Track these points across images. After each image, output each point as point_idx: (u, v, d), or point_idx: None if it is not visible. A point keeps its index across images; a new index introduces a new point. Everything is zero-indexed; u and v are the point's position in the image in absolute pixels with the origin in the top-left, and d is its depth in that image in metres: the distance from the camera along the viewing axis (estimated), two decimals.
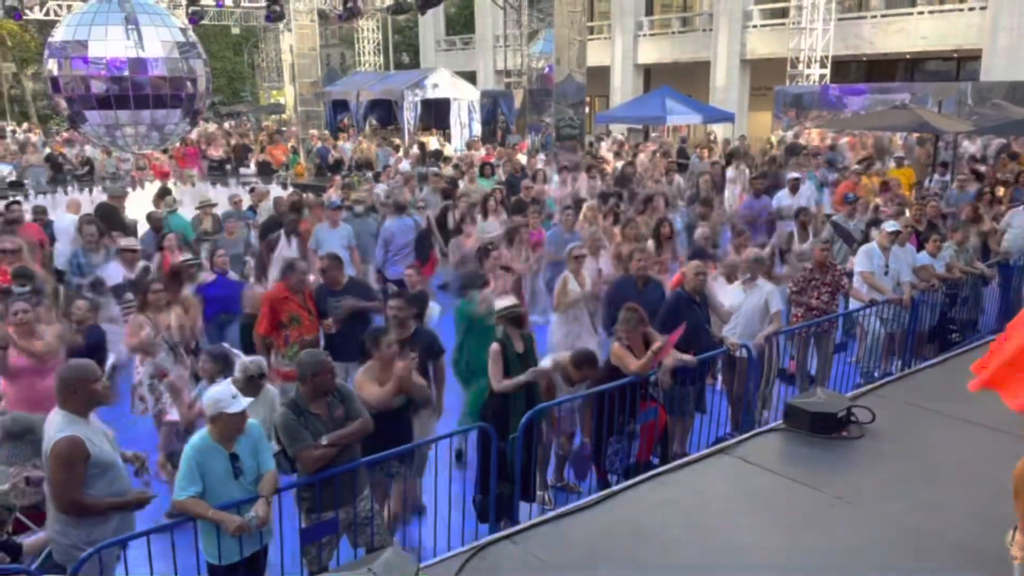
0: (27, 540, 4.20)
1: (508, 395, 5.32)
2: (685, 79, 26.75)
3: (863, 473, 3.49)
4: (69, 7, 22.77)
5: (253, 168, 21.26)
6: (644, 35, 30.24)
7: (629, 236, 8.42)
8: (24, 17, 21.23)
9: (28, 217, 9.71)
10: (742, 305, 6.58)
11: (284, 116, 34.08)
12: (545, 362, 5.67)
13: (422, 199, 11.70)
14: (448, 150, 21.07)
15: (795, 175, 11.09)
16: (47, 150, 20.39)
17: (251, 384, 4.90)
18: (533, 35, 19.39)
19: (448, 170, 15.49)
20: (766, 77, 26.29)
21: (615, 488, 3.62)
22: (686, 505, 3.38)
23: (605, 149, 20.47)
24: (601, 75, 28.93)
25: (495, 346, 5.45)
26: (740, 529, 3.14)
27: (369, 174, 16.48)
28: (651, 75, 30.79)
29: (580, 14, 17.56)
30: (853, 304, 7.90)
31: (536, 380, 5.31)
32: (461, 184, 13.41)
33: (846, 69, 25.82)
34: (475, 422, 5.97)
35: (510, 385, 5.27)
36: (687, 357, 5.77)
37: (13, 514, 4.11)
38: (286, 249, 9.26)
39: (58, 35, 13.30)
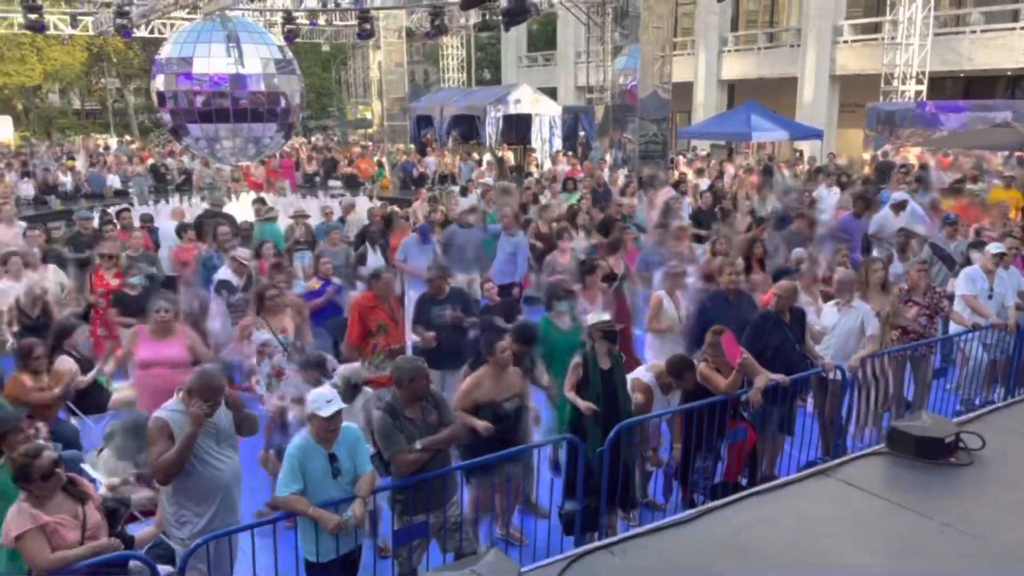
0: (138, 531, 4.44)
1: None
2: (770, 95, 26.26)
3: (974, 500, 3.36)
4: (173, 25, 24.00)
5: (340, 181, 21.89)
6: (729, 51, 29.88)
7: (720, 252, 8.31)
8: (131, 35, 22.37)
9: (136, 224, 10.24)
10: (836, 325, 6.42)
11: (370, 131, 34.98)
12: (641, 371, 5.64)
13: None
14: (535, 167, 21.17)
15: (901, 196, 10.70)
16: (150, 161, 21.48)
17: (351, 390, 5.07)
18: (617, 51, 19.40)
19: (530, 183, 15.62)
20: (857, 93, 25.59)
21: (712, 505, 3.57)
22: (786, 525, 3.31)
23: (683, 163, 20.27)
24: (683, 91, 28.70)
25: (577, 358, 5.48)
26: (843, 551, 3.07)
27: (455, 188, 16.74)
28: (735, 91, 30.37)
29: (666, 30, 17.48)
30: (953, 328, 7.60)
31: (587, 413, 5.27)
32: (543, 199, 13.51)
33: (941, 85, 24.90)
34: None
35: (579, 403, 5.27)
36: (779, 377, 5.67)
37: (128, 509, 4.36)
38: (372, 260, 9.53)
39: (165, 52, 14.02)
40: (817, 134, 21.71)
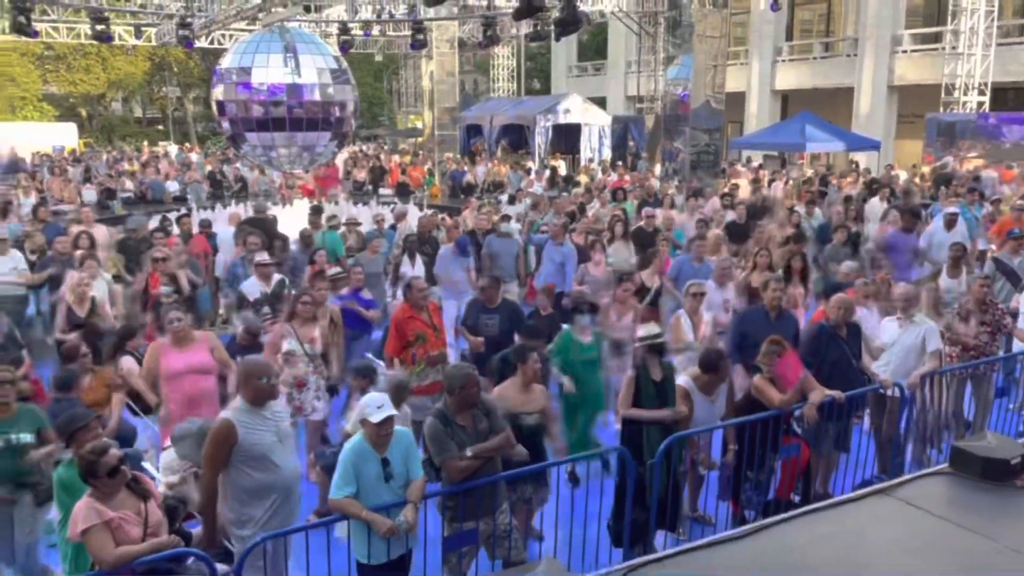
0: (196, 529, 4.55)
1: (641, 422, 5.28)
2: (826, 106, 25.83)
3: None
4: (232, 36, 24.62)
5: (391, 189, 22.18)
6: (783, 60, 29.48)
7: (760, 265, 8.19)
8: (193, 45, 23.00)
9: (195, 229, 10.52)
10: (896, 341, 6.26)
11: (419, 140, 35.37)
12: (681, 378, 5.59)
13: (545, 224, 11.82)
14: (583, 177, 21.14)
15: (952, 210, 10.43)
16: (208, 168, 22.04)
17: (398, 395, 5.13)
18: (669, 60, 19.30)
19: (579, 192, 15.63)
20: (915, 104, 25.02)
21: (766, 521, 3.51)
22: (844, 544, 3.24)
23: (742, 169, 20.01)
24: (736, 101, 28.40)
25: (629, 373, 5.45)
26: (905, 573, 2.99)
27: (503, 196, 16.82)
28: (789, 101, 29.94)
29: (720, 39, 17.35)
30: (1017, 346, 7.36)
31: (668, 420, 5.22)
32: (590, 209, 13.48)
33: (1004, 96, 24.19)
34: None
35: (641, 415, 5.23)
36: (835, 393, 5.56)
37: (187, 506, 4.47)
38: (409, 269, 9.59)
39: (225, 62, 14.38)
40: (874, 145, 21.29)
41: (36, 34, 21.02)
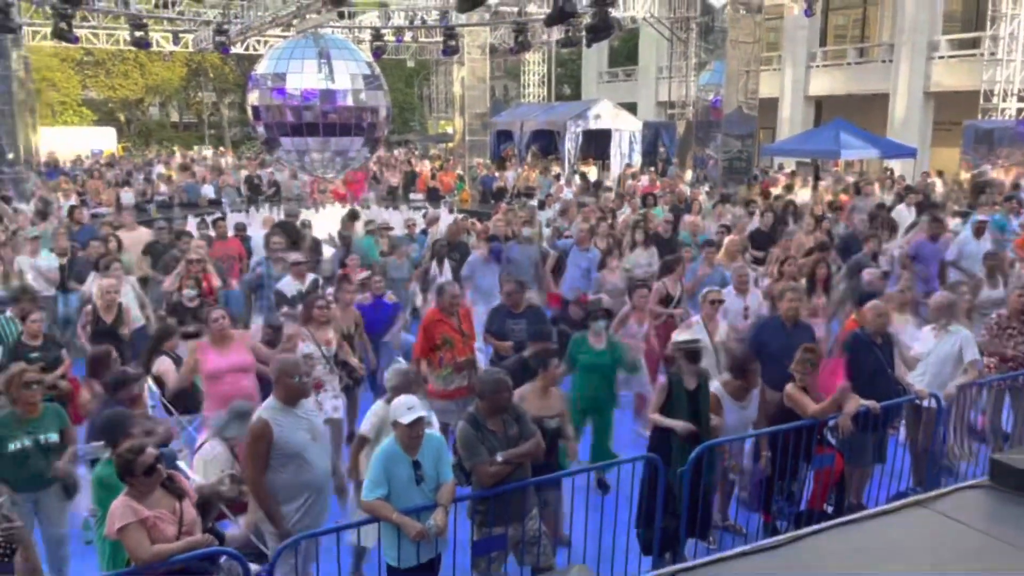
0: (229, 531, 4.60)
1: (671, 430, 5.24)
2: (860, 112, 25.49)
3: None
4: (267, 43, 24.96)
5: (421, 194, 22.29)
6: (817, 66, 29.16)
7: (788, 275, 8.09)
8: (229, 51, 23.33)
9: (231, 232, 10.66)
10: (932, 351, 6.16)
11: (450, 145, 35.55)
12: (713, 384, 5.55)
13: (569, 230, 11.81)
14: (609, 179, 21.10)
15: (981, 217, 10.24)
16: (244, 172, 22.35)
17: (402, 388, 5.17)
18: (702, 66, 19.20)
19: (609, 198, 15.58)
20: (952, 111, 24.59)
21: (800, 532, 3.47)
22: (880, 557, 3.19)
23: (782, 176, 19.82)
24: (768, 107, 28.15)
25: (661, 380, 5.42)
26: None
27: (533, 202, 16.83)
28: (822, 107, 29.61)
29: (754, 45, 17.23)
30: None
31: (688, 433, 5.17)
32: (621, 214, 13.43)
33: None
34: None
35: (669, 424, 5.19)
36: (871, 403, 5.48)
37: (222, 502, 4.52)
38: (439, 274, 9.65)
39: (260, 68, 14.57)
40: (910, 153, 20.95)
41: (76, 40, 21.43)
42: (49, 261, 9.21)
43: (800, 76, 29.04)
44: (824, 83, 28.85)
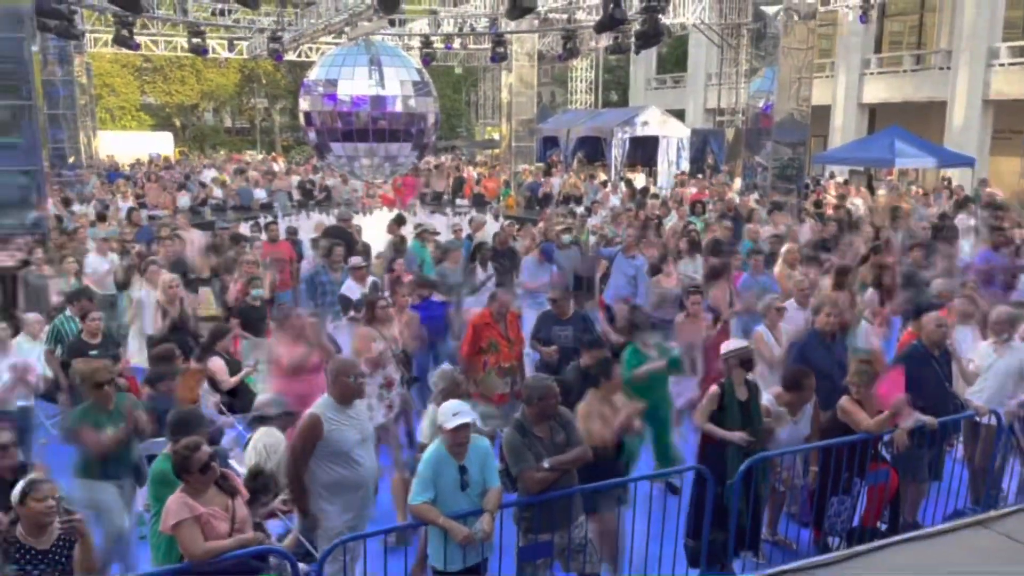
0: (278, 531, 4.65)
1: (723, 440, 5.17)
2: (916, 120, 24.91)
3: None
4: (319, 50, 25.38)
5: (467, 200, 22.39)
6: (871, 73, 28.59)
7: (846, 285, 7.90)
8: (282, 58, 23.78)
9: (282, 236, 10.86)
10: (992, 366, 5.97)
11: (496, 151, 35.65)
12: (763, 397, 5.46)
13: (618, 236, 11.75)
14: (653, 187, 20.94)
15: None
16: (296, 177, 22.74)
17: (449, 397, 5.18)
18: (752, 72, 18.96)
19: (656, 204, 15.47)
20: (1013, 119, 23.90)
21: (857, 549, 3.40)
22: None
23: (835, 186, 19.50)
24: (820, 114, 27.68)
25: (714, 388, 5.34)
26: None
27: (580, 208, 16.79)
28: (876, 115, 29.02)
29: (807, 51, 16.95)
30: None
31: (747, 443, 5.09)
32: (667, 222, 13.32)
33: None
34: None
35: (716, 433, 5.13)
36: (927, 418, 5.34)
37: (278, 492, 4.57)
38: (481, 275, 9.68)
39: (313, 75, 14.81)
40: (968, 162, 20.41)
41: (137, 47, 22.11)
42: (111, 261, 9.48)
43: (854, 83, 28.51)
44: (879, 90, 28.28)
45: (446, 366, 5.81)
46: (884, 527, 5.51)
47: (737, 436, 5.03)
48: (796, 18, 16.84)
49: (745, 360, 5.22)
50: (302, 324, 6.34)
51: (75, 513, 3.67)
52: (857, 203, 16.09)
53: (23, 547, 3.68)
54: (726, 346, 5.38)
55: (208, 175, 23.05)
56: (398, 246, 10.12)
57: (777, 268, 8.95)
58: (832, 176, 23.84)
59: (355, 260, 8.71)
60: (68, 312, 7.52)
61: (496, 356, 6.73)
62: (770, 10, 17.30)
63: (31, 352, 6.93)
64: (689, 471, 5.10)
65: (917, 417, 5.29)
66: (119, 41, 18.69)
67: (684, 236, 10.28)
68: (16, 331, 6.74)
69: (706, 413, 5.19)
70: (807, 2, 16.94)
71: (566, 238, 10.53)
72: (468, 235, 12.49)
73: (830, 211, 14.04)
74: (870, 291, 7.91)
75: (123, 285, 9.42)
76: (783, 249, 9.23)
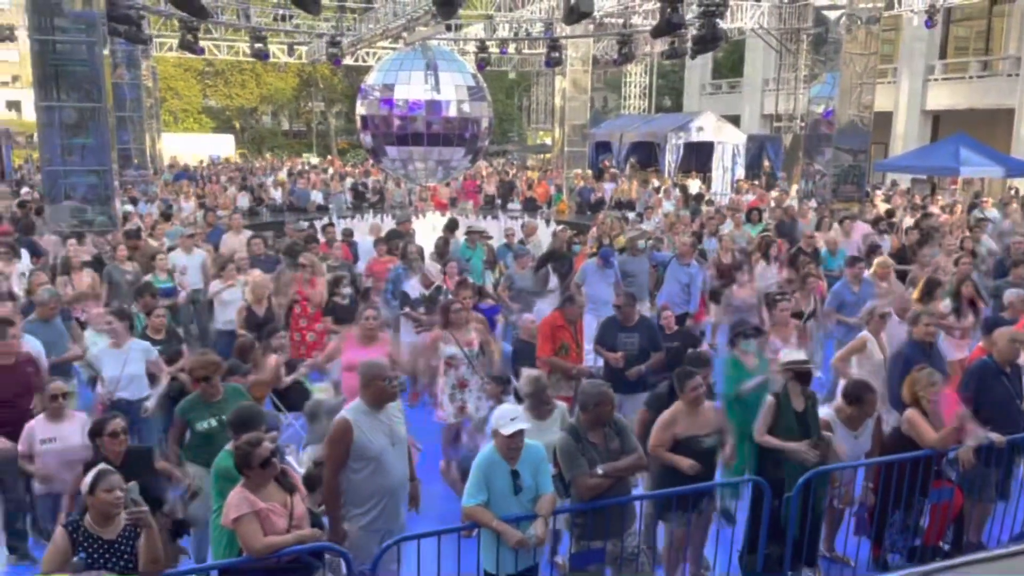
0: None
1: (782, 452, 5.07)
2: (982, 128, 24.16)
3: None
4: (376, 54, 25.75)
5: (519, 204, 22.47)
6: (935, 79, 27.83)
7: (937, 299, 7.71)
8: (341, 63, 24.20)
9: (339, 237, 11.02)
10: None
11: (547, 156, 35.68)
12: (823, 410, 5.35)
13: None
14: (710, 192, 20.70)
15: None
16: (349, 180, 23.10)
17: (537, 402, 5.17)
18: (812, 78, 18.61)
19: (710, 211, 15.29)
20: None
21: (921, 569, 3.31)
22: None
23: (880, 198, 19.05)
24: (881, 121, 27.05)
25: (769, 399, 5.25)
26: None
27: (632, 214, 16.69)
28: (940, 122, 28.23)
29: (869, 56, 16.59)
30: None
31: (803, 455, 4.98)
32: (724, 229, 13.15)
33: None
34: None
35: (773, 444, 5.03)
36: (995, 436, 5.16)
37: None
38: (554, 283, 9.70)
39: (370, 79, 15.03)
40: None
41: (202, 51, 22.71)
42: (193, 259, 9.74)
43: (917, 89, 27.81)
44: (943, 97, 27.53)
45: (532, 370, 5.79)
46: (947, 547, 5.35)
47: (792, 447, 4.94)
48: (859, 23, 16.50)
49: (801, 373, 5.12)
50: (372, 326, 6.43)
51: (142, 505, 3.76)
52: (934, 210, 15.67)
53: (91, 536, 3.79)
54: (784, 356, 5.28)
55: (270, 178, 23.57)
56: (441, 249, 10.18)
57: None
58: (894, 184, 23.27)
59: (428, 268, 8.80)
60: (134, 308, 7.71)
61: (566, 359, 6.78)
62: (832, 15, 16.98)
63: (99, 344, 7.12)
64: (746, 483, 4.99)
65: (984, 434, 5.12)
66: (184, 46, 19.23)
67: (766, 245, 10.20)
68: (133, 325, 6.96)
69: (764, 425, 5.10)
70: (870, 6, 16.58)
71: (640, 244, 10.47)
72: (520, 240, 12.51)
73: (908, 220, 13.68)
74: (941, 306, 7.70)
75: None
76: (876, 261, 9.04)
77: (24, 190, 18.68)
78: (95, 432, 4.76)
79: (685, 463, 4.82)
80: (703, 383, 5.07)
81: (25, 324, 6.64)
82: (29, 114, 50.43)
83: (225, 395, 5.39)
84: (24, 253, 9.75)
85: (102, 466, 3.92)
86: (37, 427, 5.29)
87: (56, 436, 5.25)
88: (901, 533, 5.23)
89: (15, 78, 58.54)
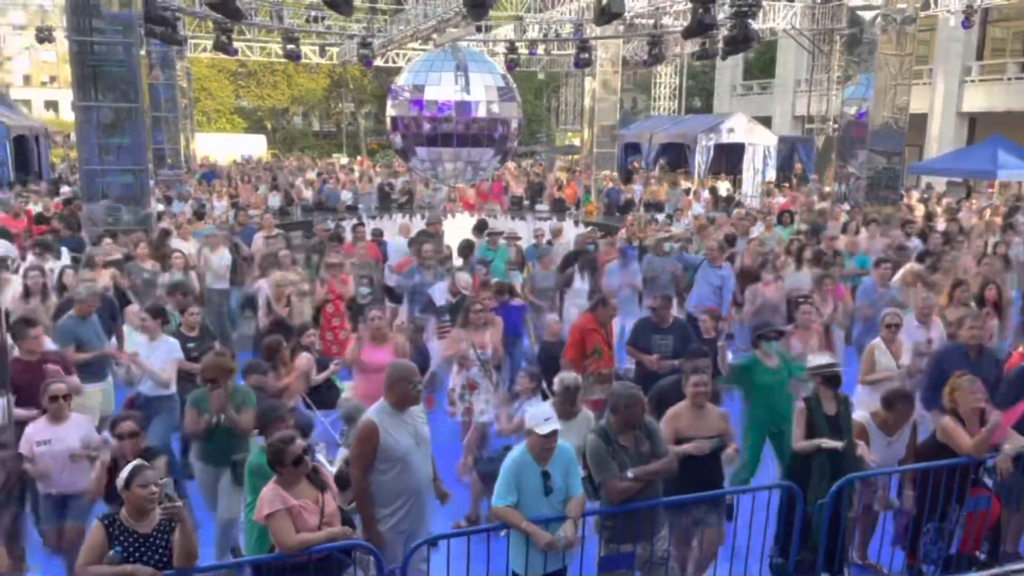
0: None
1: (812, 457, 5.02)
2: (1019, 130, 23.68)
3: None
4: (405, 56, 25.89)
5: (547, 205, 22.42)
6: (972, 81, 27.34)
7: (960, 299, 7.60)
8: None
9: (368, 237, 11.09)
10: None
11: (576, 157, 35.60)
12: (858, 413, 5.28)
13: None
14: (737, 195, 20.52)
15: None
16: (378, 180, 23.23)
17: (566, 401, 5.16)
18: (847, 79, 18.37)
19: (741, 213, 15.16)
20: None
21: None
22: None
23: (916, 199, 18.79)
24: (914, 123, 26.63)
25: (800, 405, 5.20)
26: None
27: (660, 216, 16.60)
28: (976, 125, 27.73)
29: (905, 57, 16.34)
30: None
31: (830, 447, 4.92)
32: (754, 231, 13.03)
33: None
34: (747, 479, 5.80)
35: (808, 447, 4.97)
36: None
37: None
38: (579, 284, 9.67)
39: (401, 80, 15.11)
40: None
41: (236, 52, 22.99)
42: (223, 258, 9.86)
43: (953, 91, 27.35)
44: (979, 99, 27.04)
45: (570, 373, 5.80)
46: (983, 557, 5.25)
47: (824, 442, 4.88)
48: (895, 23, 16.26)
49: (829, 377, 5.06)
50: (379, 325, 6.44)
51: (176, 500, 3.82)
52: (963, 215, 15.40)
53: (127, 530, 3.85)
54: (812, 360, 5.23)
55: (300, 179, 23.79)
56: (465, 250, 10.21)
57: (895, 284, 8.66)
58: (929, 187, 22.90)
59: (461, 278, 8.77)
60: (168, 306, 7.80)
61: (598, 362, 6.70)
62: (867, 15, 16.76)
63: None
64: (776, 488, 4.94)
65: (1022, 441, 5.01)
66: (219, 47, 19.46)
67: (795, 246, 10.14)
68: (166, 322, 7.06)
69: (799, 432, 5.04)
70: (906, 7, 16.34)
71: (668, 246, 10.43)
72: (548, 240, 12.49)
73: (942, 224, 13.47)
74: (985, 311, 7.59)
75: (239, 280, 9.81)
76: (905, 268, 8.91)
77: (64, 189, 19.02)
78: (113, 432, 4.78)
79: (689, 447, 4.80)
80: (707, 383, 5.04)
81: (65, 320, 6.77)
82: (66, 114, 51.48)
83: (233, 393, 5.39)
84: (64, 251, 9.93)
85: (138, 461, 3.97)
86: (35, 429, 5.14)
87: (52, 438, 5.08)
88: (936, 543, 5.14)
89: (53, 78, 59.77)
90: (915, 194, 19.74)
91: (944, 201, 18.45)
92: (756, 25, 18.09)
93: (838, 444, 4.89)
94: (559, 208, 21.70)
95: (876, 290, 8.32)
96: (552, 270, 9.75)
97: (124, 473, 3.88)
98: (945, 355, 6.29)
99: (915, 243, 11.17)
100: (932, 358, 6.36)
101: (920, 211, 16.51)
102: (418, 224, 14.75)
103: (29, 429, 5.17)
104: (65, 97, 51.57)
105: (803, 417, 5.09)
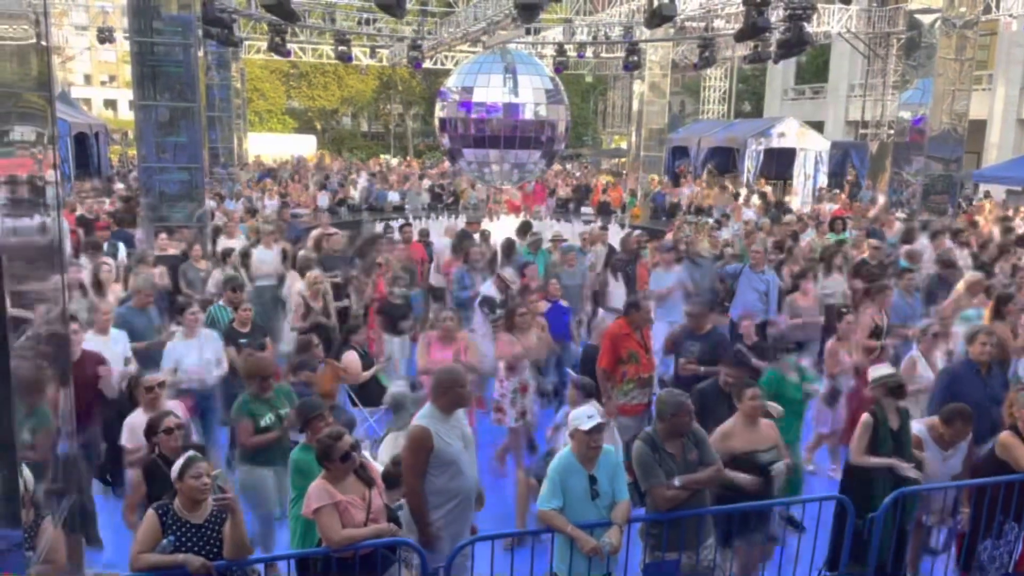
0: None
1: (872, 471, 4.90)
2: None
3: None
4: (453, 58, 26.05)
5: (592, 208, 22.34)
6: None
7: (1011, 313, 7.35)
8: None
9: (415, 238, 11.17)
10: None
11: (622, 160, 35.41)
12: (915, 426, 5.15)
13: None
14: (791, 200, 20.17)
15: None
16: (427, 181, 23.42)
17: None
18: (903, 83, 17.95)
19: (792, 220, 14.90)
20: None
21: None
22: None
23: (988, 209, 18.24)
24: (974, 130, 25.89)
25: (866, 416, 5.06)
26: None
27: (709, 220, 16.40)
28: None
29: (965, 63, 15.90)
30: None
31: (904, 472, 4.79)
32: (805, 237, 12.79)
33: None
34: None
35: (875, 463, 4.86)
36: None
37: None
38: (614, 288, 9.58)
39: (450, 82, 15.20)
40: None
41: (289, 54, 23.40)
42: (271, 254, 10.03)
43: (1014, 97, 26.54)
44: None
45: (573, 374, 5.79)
46: None
47: (895, 463, 4.77)
48: (955, 27, 15.84)
49: (894, 388, 4.93)
50: (449, 326, 6.55)
51: (228, 491, 3.89)
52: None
53: (180, 520, 3.94)
54: (874, 372, 5.10)
55: (352, 178, 24.09)
56: (507, 249, 10.20)
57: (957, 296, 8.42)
58: (987, 195, 22.24)
59: (505, 272, 8.80)
60: (220, 302, 7.95)
61: (636, 367, 6.54)
62: (926, 19, 16.35)
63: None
64: (829, 500, 4.84)
65: None
66: (273, 48, 19.84)
67: (833, 254, 9.91)
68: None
69: (863, 446, 4.93)
70: (966, 11, 15.90)
71: (705, 251, 10.32)
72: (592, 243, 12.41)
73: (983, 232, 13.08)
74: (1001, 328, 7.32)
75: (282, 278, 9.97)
76: (964, 280, 8.65)
77: (118, 186, 19.54)
78: (151, 430, 4.77)
79: (744, 479, 4.69)
80: (760, 395, 4.96)
81: (122, 308, 6.98)
82: (124, 113, 52.95)
83: (276, 391, 5.52)
84: (121, 247, 10.20)
85: (191, 452, 4.05)
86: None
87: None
88: (993, 561, 4.99)
89: (112, 78, 61.53)
90: (987, 205, 18.96)
91: (999, 210, 17.85)
92: (810, 28, 17.78)
93: (917, 476, 4.76)
94: (604, 211, 21.61)
95: (905, 300, 8.09)
96: (577, 268, 9.65)
97: (178, 464, 3.97)
98: (955, 373, 6.05)
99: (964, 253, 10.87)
100: (942, 375, 6.11)
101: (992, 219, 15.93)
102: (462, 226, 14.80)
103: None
104: (123, 96, 53.08)
105: (868, 431, 4.96)
